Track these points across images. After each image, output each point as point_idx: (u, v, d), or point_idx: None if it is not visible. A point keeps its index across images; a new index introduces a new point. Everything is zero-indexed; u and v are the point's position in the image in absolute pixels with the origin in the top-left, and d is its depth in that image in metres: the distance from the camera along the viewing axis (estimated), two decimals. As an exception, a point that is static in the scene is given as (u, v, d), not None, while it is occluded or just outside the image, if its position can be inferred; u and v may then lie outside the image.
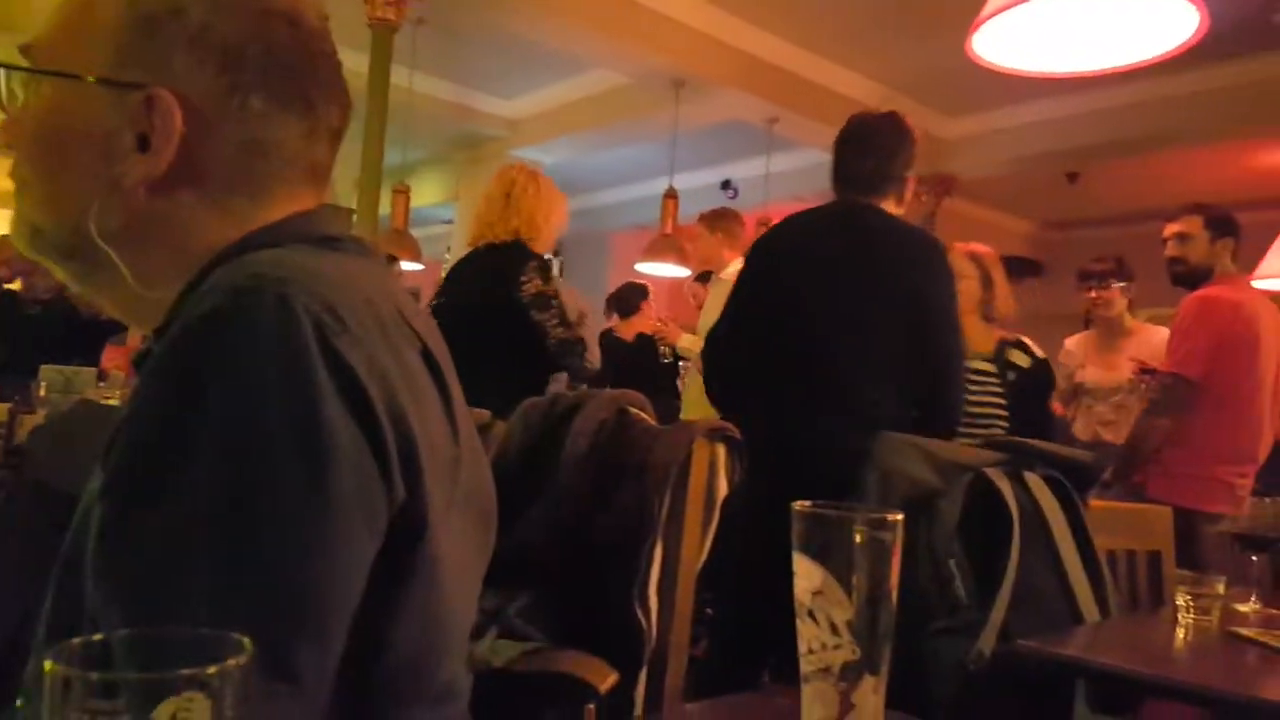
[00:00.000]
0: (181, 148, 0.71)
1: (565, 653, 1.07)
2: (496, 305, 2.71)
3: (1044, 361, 2.74)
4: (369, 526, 0.62)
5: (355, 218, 4.13)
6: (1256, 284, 5.58)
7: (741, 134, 5.93)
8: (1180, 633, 1.64)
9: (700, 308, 4.14)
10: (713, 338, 2.42)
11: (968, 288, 2.63)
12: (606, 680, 1.01)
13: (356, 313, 0.64)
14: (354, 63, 4.37)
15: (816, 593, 0.64)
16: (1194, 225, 2.79)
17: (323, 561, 0.59)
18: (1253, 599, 1.86)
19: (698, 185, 7.00)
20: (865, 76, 5.75)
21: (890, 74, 5.71)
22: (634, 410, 1.20)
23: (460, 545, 0.73)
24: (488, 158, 6.59)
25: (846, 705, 0.63)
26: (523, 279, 2.68)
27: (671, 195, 5.31)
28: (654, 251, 5.01)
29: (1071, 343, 3.80)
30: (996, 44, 2.80)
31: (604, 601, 1.08)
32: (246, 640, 0.41)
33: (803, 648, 0.64)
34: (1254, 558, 1.96)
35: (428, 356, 0.71)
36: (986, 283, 2.73)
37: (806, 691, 0.64)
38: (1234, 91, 5.19)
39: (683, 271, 5.03)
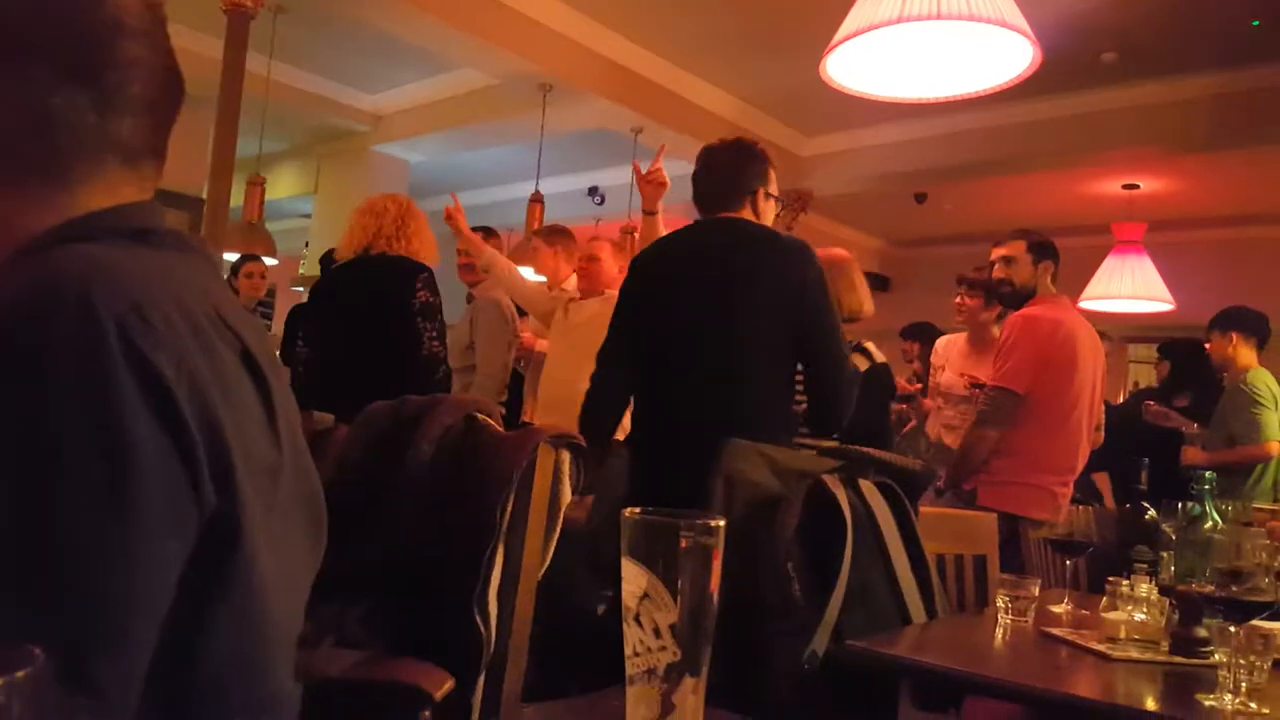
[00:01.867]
0: None
1: (400, 660, 1.06)
2: (388, 309, 2.91)
3: (883, 366, 2.88)
4: (175, 533, 0.60)
5: (205, 209, 3.94)
6: (1084, 304, 6.03)
7: (608, 142, 5.97)
8: (999, 633, 1.75)
9: None
10: (604, 356, 2.49)
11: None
12: (441, 687, 1.01)
13: (164, 312, 0.62)
14: (209, 49, 4.17)
15: (643, 597, 0.65)
16: (1018, 249, 2.99)
17: (124, 570, 0.57)
18: (1065, 600, 2.01)
19: (565, 190, 7.00)
20: (727, 92, 5.89)
21: (751, 91, 5.86)
22: (481, 416, 1.20)
23: (283, 552, 0.72)
24: (349, 151, 6.41)
25: (668, 706, 0.64)
26: (418, 286, 2.91)
27: (538, 199, 5.29)
28: (517, 255, 4.97)
29: (941, 342, 3.98)
30: (848, 69, 2.93)
31: (444, 607, 1.08)
32: (37, 650, 0.40)
33: (628, 650, 0.65)
34: (1068, 561, 2.12)
35: (248, 358, 0.69)
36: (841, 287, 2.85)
37: (631, 693, 0.65)
38: (1066, 123, 5.58)
39: (543, 277, 5.03)
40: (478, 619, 1.04)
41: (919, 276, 8.59)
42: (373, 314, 2.94)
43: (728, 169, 2.46)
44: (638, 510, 0.68)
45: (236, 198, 5.35)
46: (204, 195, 4.03)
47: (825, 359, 2.29)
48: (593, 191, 6.84)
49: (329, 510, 1.17)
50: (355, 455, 1.18)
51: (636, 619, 0.66)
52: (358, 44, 5.34)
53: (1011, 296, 3.02)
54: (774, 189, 2.49)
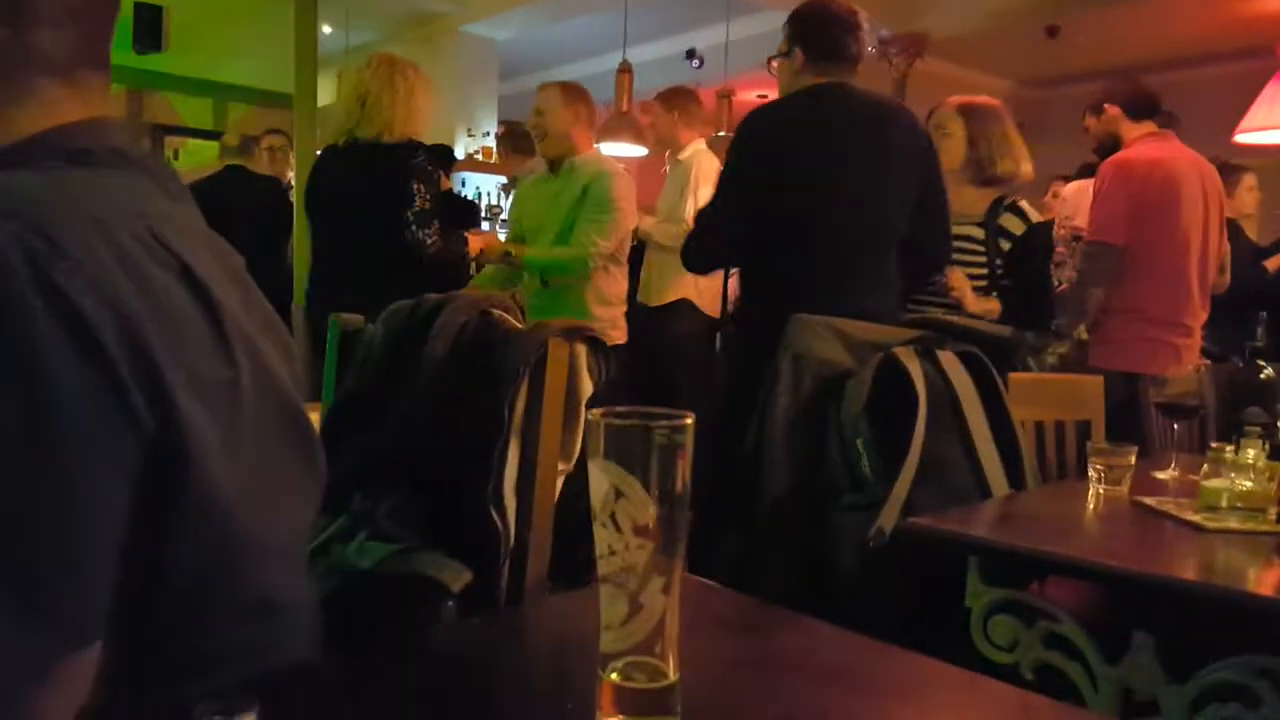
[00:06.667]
0: None
1: (425, 554, 1.08)
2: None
3: (1040, 226, 2.58)
4: (112, 459, 0.60)
5: (293, 104, 3.98)
6: (1241, 137, 5.47)
7: (699, 2, 5.69)
8: (1090, 504, 1.65)
9: None
10: (707, 213, 2.36)
11: (951, 146, 2.54)
12: (458, 580, 1.02)
13: (81, 237, 0.61)
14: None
15: (614, 498, 0.64)
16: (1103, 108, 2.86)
17: (61, 498, 0.58)
18: (1172, 465, 1.87)
19: (659, 56, 6.74)
20: (828, -70, 5.46)
21: (855, -74, 5.43)
22: (496, 312, 1.17)
23: (257, 465, 0.72)
24: (437, 35, 6.33)
25: (635, 605, 0.64)
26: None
27: (626, 69, 5.10)
28: (609, 130, 4.81)
29: (1069, 190, 3.73)
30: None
31: (465, 502, 1.08)
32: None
33: (601, 550, 0.64)
34: (1174, 425, 1.97)
35: (189, 277, 0.68)
36: (974, 141, 2.55)
37: (603, 592, 0.65)
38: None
39: (639, 150, 4.88)
40: (493, 514, 1.05)
41: (1055, 119, 7.95)
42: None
43: (841, 29, 2.23)
44: (601, 411, 0.65)
45: (329, 93, 5.42)
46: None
47: (939, 225, 2.25)
48: (690, 55, 6.54)
49: (355, 408, 1.19)
50: (376, 354, 1.18)
51: (607, 520, 0.64)
52: (436, -80, 5.20)
53: (1105, 151, 2.83)
54: None
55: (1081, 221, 3.41)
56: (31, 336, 0.56)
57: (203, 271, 0.69)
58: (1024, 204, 2.58)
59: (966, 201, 2.53)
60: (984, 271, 2.51)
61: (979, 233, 2.53)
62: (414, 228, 2.65)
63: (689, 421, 0.64)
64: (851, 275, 2.17)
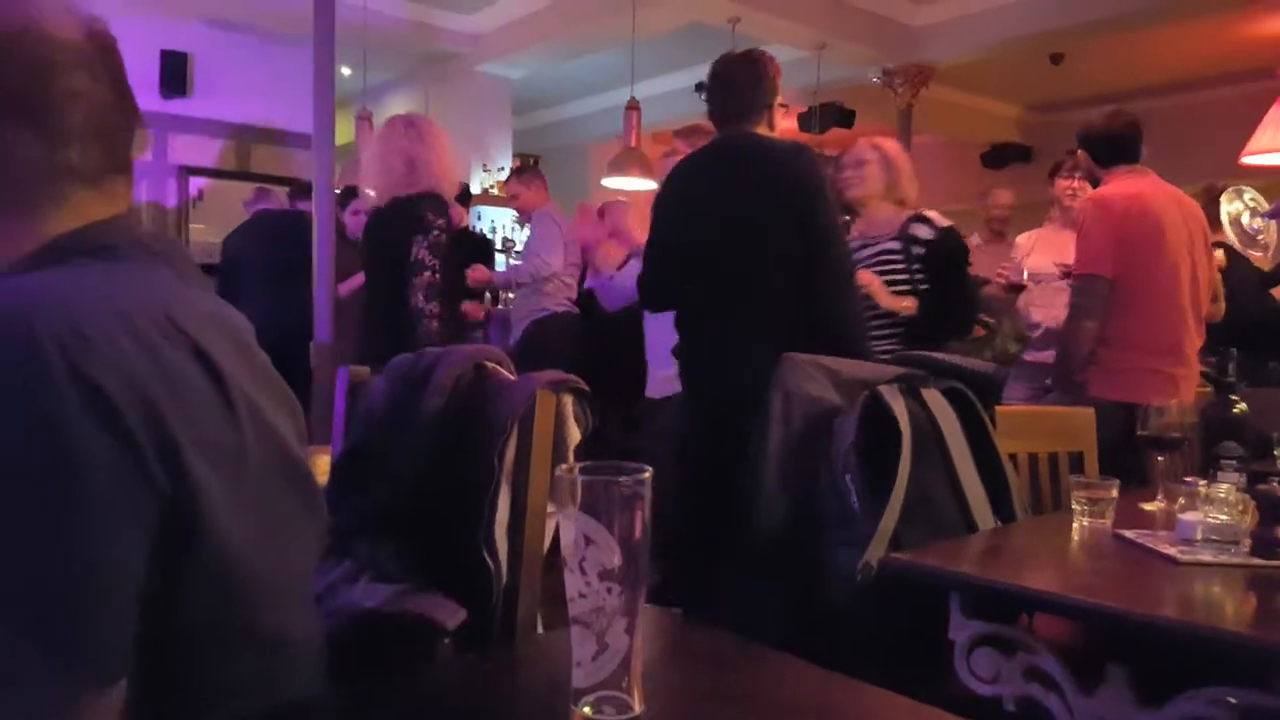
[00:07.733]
0: None
1: (424, 595, 1.14)
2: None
3: (947, 229, 2.81)
4: (131, 516, 0.68)
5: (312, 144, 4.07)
6: (1248, 159, 5.47)
7: (705, 37, 5.79)
8: (1074, 538, 1.69)
9: None
10: (645, 266, 2.66)
11: (871, 172, 2.87)
12: (454, 619, 1.09)
13: (105, 327, 0.69)
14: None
15: (583, 545, 0.70)
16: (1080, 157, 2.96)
17: (83, 551, 0.66)
18: (1158, 498, 1.92)
19: (667, 90, 6.87)
20: (829, -33, 5.58)
21: (853, -38, 5.53)
22: (491, 365, 1.25)
23: (264, 517, 0.80)
24: (454, 75, 6.47)
25: (602, 644, 0.70)
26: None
27: (633, 106, 5.20)
28: (618, 165, 4.92)
29: (1022, 238, 3.85)
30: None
31: (461, 546, 1.15)
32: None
33: (571, 594, 0.70)
34: (1159, 458, 2.01)
35: (200, 354, 0.76)
36: (887, 165, 2.87)
37: (573, 632, 0.71)
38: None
39: (649, 185, 4.96)
40: (485, 556, 1.12)
41: (1063, 144, 7.98)
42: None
43: (744, 85, 2.51)
44: (572, 467, 0.71)
45: (347, 133, 5.55)
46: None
47: (822, 265, 2.33)
48: (699, 88, 6.63)
49: (360, 459, 1.27)
50: (379, 406, 1.26)
51: (575, 566, 0.70)
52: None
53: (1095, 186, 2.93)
54: (781, 98, 2.56)
55: (1037, 258, 3.57)
56: (60, 413, 0.64)
57: (212, 349, 0.77)
58: (931, 214, 2.86)
59: (885, 218, 2.87)
60: (904, 277, 2.77)
61: (896, 244, 2.81)
62: (420, 295, 2.87)
63: (647, 475, 0.71)
64: (717, 320, 2.43)
